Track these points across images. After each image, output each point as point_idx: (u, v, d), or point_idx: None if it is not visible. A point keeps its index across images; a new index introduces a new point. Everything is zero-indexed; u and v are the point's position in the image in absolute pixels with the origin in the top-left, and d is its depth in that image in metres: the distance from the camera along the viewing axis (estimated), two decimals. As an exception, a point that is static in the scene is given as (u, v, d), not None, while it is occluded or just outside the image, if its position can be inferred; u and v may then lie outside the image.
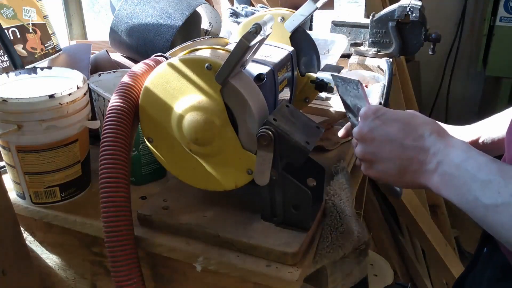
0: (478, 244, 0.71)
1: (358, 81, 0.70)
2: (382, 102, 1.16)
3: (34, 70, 0.83)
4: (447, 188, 0.57)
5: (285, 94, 0.86)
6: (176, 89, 0.68)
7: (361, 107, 0.70)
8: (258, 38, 0.63)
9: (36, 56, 1.05)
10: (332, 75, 0.77)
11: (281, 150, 0.65)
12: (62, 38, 1.42)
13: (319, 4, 0.89)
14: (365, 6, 1.69)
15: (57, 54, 1.10)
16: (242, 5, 1.50)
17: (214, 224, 0.71)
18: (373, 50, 1.47)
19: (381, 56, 1.45)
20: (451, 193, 0.57)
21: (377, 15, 1.46)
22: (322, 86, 0.92)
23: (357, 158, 0.69)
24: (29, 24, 1.04)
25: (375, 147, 0.63)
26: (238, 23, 1.39)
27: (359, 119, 0.66)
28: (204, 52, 0.76)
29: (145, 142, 0.74)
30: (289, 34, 0.90)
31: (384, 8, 1.52)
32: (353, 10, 1.69)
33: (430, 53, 1.49)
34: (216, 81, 0.65)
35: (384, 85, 1.14)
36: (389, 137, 0.62)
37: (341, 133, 0.82)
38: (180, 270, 0.73)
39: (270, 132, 0.63)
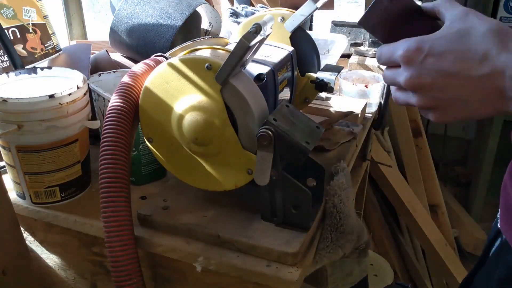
0: (486, 244, 0.71)
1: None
2: (382, 102, 1.16)
3: (34, 70, 0.83)
4: None
5: (285, 94, 0.86)
6: (176, 89, 0.68)
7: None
8: (258, 38, 0.63)
9: (36, 56, 1.05)
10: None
11: (281, 150, 0.65)
12: (62, 38, 1.42)
13: (319, 4, 0.89)
14: (365, 6, 1.69)
15: (57, 54, 1.10)
16: (242, 5, 1.50)
17: (214, 224, 0.71)
18: (373, 50, 1.47)
19: (381, 56, 1.45)
20: None
21: (377, 15, 1.46)
22: (322, 86, 0.92)
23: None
24: (29, 24, 1.04)
25: (439, 91, 0.51)
26: (238, 23, 1.39)
27: (400, 63, 0.53)
28: (204, 52, 0.77)
29: (145, 142, 0.74)
30: (289, 34, 0.90)
31: (384, 8, 1.51)
32: (353, 10, 1.69)
33: (430, 53, 1.48)
34: (216, 81, 0.65)
35: (384, 85, 1.14)
36: (451, 74, 0.50)
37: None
38: (180, 270, 0.73)
39: (270, 132, 0.63)
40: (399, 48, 0.53)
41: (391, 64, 0.55)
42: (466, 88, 0.50)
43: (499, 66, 0.47)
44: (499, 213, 0.66)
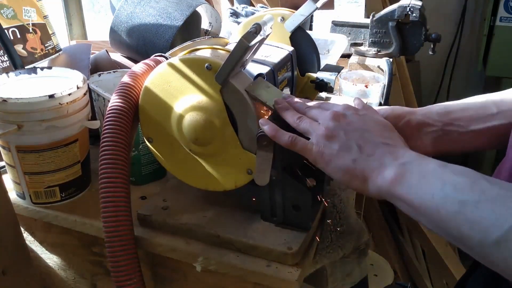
0: None
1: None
2: (382, 102, 1.16)
3: (34, 70, 0.83)
4: (408, 183, 0.52)
5: (285, 94, 0.86)
6: (176, 89, 0.68)
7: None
8: (258, 38, 0.63)
9: (36, 56, 1.05)
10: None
11: (281, 150, 0.65)
12: (62, 38, 1.42)
13: (319, 4, 0.89)
14: (365, 6, 1.69)
15: (57, 54, 1.10)
16: (242, 5, 1.50)
17: (214, 224, 0.71)
18: (373, 50, 1.47)
19: (381, 56, 1.45)
20: (411, 189, 0.52)
21: (377, 15, 1.46)
22: (322, 86, 0.92)
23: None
24: (29, 24, 1.04)
25: (347, 129, 0.59)
26: (238, 23, 1.39)
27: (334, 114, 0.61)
28: (204, 52, 0.77)
29: (145, 142, 0.74)
30: (289, 34, 0.90)
31: (384, 8, 1.52)
32: (353, 10, 1.69)
33: (430, 53, 1.49)
34: (216, 81, 0.65)
35: (384, 85, 1.14)
36: (365, 128, 0.59)
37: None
38: (180, 270, 0.73)
39: (270, 132, 0.63)
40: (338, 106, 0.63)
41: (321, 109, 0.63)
42: (365, 142, 0.58)
43: (399, 149, 0.57)
44: None
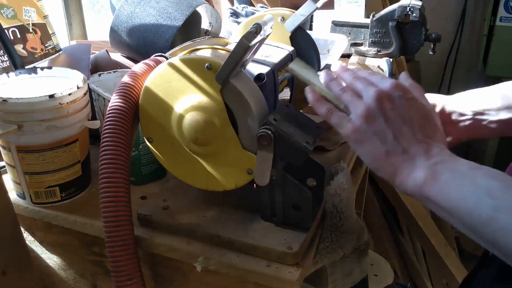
0: None
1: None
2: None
3: (34, 70, 0.83)
4: (439, 185, 0.52)
5: (285, 94, 0.86)
6: (176, 89, 0.68)
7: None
8: (258, 38, 0.63)
9: (36, 56, 1.05)
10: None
11: (281, 150, 0.65)
12: (62, 38, 1.42)
13: (319, 4, 0.89)
14: (365, 6, 1.69)
15: (57, 54, 1.10)
16: (242, 5, 1.50)
17: (214, 224, 0.71)
18: (373, 50, 1.47)
19: (381, 56, 1.45)
20: (443, 193, 0.51)
21: (377, 15, 1.46)
22: (322, 86, 0.92)
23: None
24: (29, 24, 1.04)
25: (375, 129, 0.57)
26: (238, 23, 1.39)
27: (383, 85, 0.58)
28: (205, 52, 0.77)
29: (145, 142, 0.74)
30: (289, 34, 0.90)
31: (384, 8, 1.52)
32: (353, 10, 1.69)
33: (430, 53, 1.49)
34: (216, 81, 0.65)
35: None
36: (406, 118, 0.56)
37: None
38: (180, 270, 0.73)
39: (270, 132, 0.63)
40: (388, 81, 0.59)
41: (367, 84, 0.59)
42: (402, 135, 0.56)
43: (431, 147, 0.55)
44: None
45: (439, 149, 0.55)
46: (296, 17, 0.90)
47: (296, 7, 0.95)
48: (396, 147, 0.56)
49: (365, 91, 0.59)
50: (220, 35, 1.35)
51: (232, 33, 1.01)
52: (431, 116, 0.59)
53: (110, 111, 0.68)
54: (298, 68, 0.68)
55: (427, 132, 0.56)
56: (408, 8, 1.40)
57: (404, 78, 0.63)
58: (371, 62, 1.43)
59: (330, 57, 1.20)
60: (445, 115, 0.72)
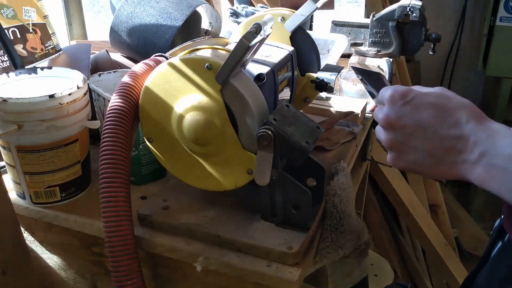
0: (489, 242, 0.71)
1: (379, 73, 0.65)
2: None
3: (34, 70, 0.83)
4: (497, 182, 0.50)
5: (285, 94, 0.86)
6: (176, 89, 0.68)
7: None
8: (258, 38, 0.63)
9: (36, 56, 1.05)
10: (353, 68, 0.71)
11: (281, 150, 0.65)
12: (62, 38, 1.42)
13: (319, 4, 0.89)
14: (365, 6, 1.69)
15: (57, 54, 1.10)
16: (242, 5, 1.50)
17: (214, 224, 0.71)
18: (373, 50, 1.47)
19: (381, 56, 1.45)
20: (502, 187, 0.50)
21: (377, 15, 1.46)
22: (322, 86, 0.92)
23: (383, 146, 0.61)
24: (29, 24, 1.04)
25: (405, 136, 0.56)
26: (238, 23, 1.39)
27: (384, 103, 0.58)
28: (205, 52, 0.76)
29: (145, 142, 0.74)
30: (289, 34, 0.90)
31: (384, 8, 1.52)
32: (353, 10, 1.69)
33: (430, 53, 1.49)
34: (216, 81, 0.65)
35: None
36: (422, 125, 0.55)
37: (370, 107, 0.74)
38: (180, 270, 0.73)
39: (270, 132, 0.63)
40: (389, 89, 0.58)
41: (381, 103, 0.60)
42: (430, 143, 0.55)
43: (465, 132, 0.53)
44: (502, 213, 0.66)
45: (472, 131, 0.52)
46: (296, 17, 0.90)
47: (296, 7, 0.95)
48: (433, 162, 0.55)
49: (377, 114, 0.60)
50: (220, 35, 1.35)
51: (232, 33, 1.01)
52: (442, 97, 0.56)
53: (110, 111, 0.68)
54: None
55: (450, 119, 0.54)
56: (408, 8, 1.40)
57: (385, 90, 0.59)
58: (371, 62, 1.43)
59: (330, 57, 1.19)
60: None
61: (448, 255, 1.97)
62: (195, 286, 0.73)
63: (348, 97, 1.14)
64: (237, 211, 0.74)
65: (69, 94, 0.74)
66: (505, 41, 2.40)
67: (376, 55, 1.46)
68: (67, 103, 0.74)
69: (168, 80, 0.68)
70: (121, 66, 1.16)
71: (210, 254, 0.68)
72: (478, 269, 0.71)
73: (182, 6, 1.20)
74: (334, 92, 1.05)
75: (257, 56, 0.78)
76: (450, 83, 2.92)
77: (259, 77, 0.74)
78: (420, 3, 1.42)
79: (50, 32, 1.09)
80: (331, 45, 1.21)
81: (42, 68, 0.83)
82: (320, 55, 0.93)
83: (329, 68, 0.94)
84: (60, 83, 0.79)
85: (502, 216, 0.66)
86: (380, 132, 0.60)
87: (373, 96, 0.68)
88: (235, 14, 1.45)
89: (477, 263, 0.72)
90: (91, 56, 1.06)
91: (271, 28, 0.67)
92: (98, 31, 1.65)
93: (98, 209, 0.66)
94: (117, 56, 1.27)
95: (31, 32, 1.04)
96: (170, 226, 0.72)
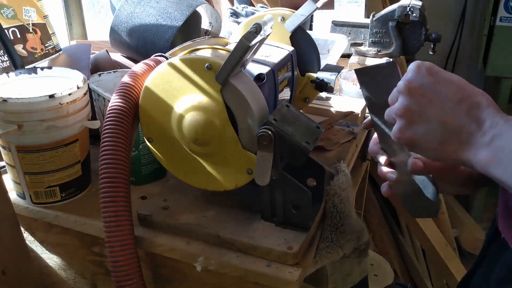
0: (484, 243, 0.71)
1: (394, 63, 0.63)
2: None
3: (34, 70, 0.83)
4: (503, 166, 0.49)
5: (285, 94, 0.86)
6: (176, 89, 0.68)
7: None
8: (258, 38, 0.63)
9: (36, 56, 1.05)
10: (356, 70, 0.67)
11: (281, 150, 0.65)
12: (62, 38, 1.42)
13: (319, 4, 0.89)
14: (365, 6, 1.69)
15: (57, 54, 1.10)
16: (242, 5, 1.50)
17: (214, 224, 0.71)
18: (373, 50, 1.47)
19: (381, 56, 1.45)
20: (508, 171, 0.49)
21: (377, 15, 1.46)
22: (322, 86, 0.92)
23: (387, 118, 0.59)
24: (29, 24, 1.04)
25: (421, 106, 0.54)
26: (238, 23, 1.39)
27: (408, 72, 0.57)
28: (205, 52, 0.76)
29: (145, 142, 0.74)
30: (289, 34, 0.90)
31: (384, 8, 1.52)
32: (353, 10, 1.69)
33: (430, 53, 1.49)
34: (216, 81, 0.65)
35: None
36: (441, 97, 0.53)
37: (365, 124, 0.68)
38: (180, 270, 0.73)
39: (270, 132, 0.63)
40: (418, 62, 0.57)
41: (395, 99, 0.58)
42: (445, 116, 0.53)
43: (483, 115, 0.52)
44: (497, 213, 0.66)
45: (490, 115, 0.52)
46: (296, 17, 0.90)
47: (296, 7, 0.95)
48: (447, 134, 0.53)
49: (394, 96, 0.58)
50: (220, 35, 1.35)
51: (232, 33, 1.01)
52: (464, 80, 0.56)
53: (110, 111, 0.68)
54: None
55: (470, 100, 0.53)
56: (408, 8, 1.40)
57: (415, 63, 0.59)
58: (371, 62, 1.43)
59: (330, 57, 1.19)
60: None
61: (448, 255, 1.97)
62: (195, 286, 0.73)
63: (348, 97, 1.14)
64: (237, 211, 0.74)
65: (69, 94, 0.74)
66: (505, 41, 2.40)
67: (376, 55, 1.46)
68: (67, 103, 0.74)
69: (168, 80, 0.68)
70: (121, 66, 1.16)
71: (210, 254, 0.68)
72: (475, 269, 0.71)
73: (182, 6, 1.20)
74: (334, 92, 1.05)
75: (257, 56, 0.78)
76: (450, 83, 2.92)
77: (259, 77, 0.74)
78: (420, 3, 1.43)
79: (50, 32, 1.09)
80: (331, 45, 1.21)
81: (42, 68, 0.83)
82: (320, 55, 0.93)
83: (329, 68, 0.95)
84: (60, 83, 0.79)
85: (497, 216, 0.66)
86: (395, 97, 0.57)
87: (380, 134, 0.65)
88: (235, 14, 1.45)
89: (473, 263, 0.73)
90: (91, 56, 1.06)
91: (271, 28, 0.67)
92: (98, 31, 1.65)
93: (98, 209, 0.66)
94: (117, 56, 1.27)
95: (31, 32, 1.04)
96: (170, 226, 0.72)
